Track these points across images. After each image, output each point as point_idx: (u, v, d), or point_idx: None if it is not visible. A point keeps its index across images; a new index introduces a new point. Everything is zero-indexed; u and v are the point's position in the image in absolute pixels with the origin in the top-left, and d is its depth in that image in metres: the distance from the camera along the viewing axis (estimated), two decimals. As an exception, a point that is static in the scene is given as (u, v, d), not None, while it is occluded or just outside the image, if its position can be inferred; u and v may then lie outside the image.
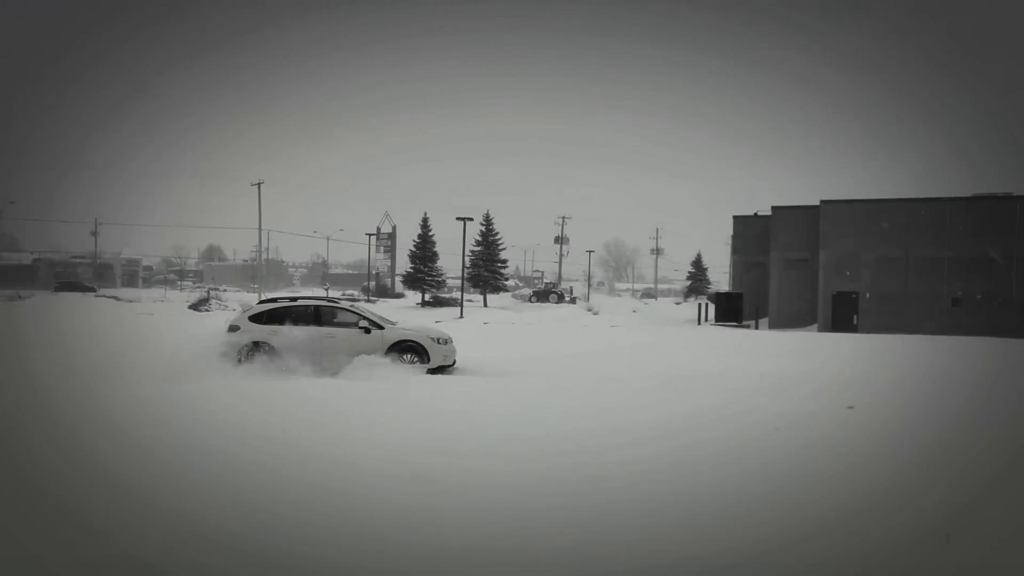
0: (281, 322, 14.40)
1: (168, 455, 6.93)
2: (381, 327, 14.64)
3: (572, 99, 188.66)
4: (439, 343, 14.71)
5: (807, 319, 35.72)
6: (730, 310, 38.59)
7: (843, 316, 34.07)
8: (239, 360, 13.95)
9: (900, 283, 33.30)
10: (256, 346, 14.13)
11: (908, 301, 33.08)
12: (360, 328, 14.54)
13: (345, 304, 16.37)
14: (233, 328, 14.59)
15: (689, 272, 78.32)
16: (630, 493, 5.92)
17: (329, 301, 16.15)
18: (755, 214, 40.67)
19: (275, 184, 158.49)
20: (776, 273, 37.28)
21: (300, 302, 15.22)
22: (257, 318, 14.68)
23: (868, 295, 33.89)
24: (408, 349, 14.40)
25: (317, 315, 14.76)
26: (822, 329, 33.86)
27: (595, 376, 13.90)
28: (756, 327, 36.06)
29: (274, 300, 15.81)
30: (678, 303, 72.56)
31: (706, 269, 77.43)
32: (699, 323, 38.67)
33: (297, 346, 13.79)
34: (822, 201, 34.99)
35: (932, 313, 32.57)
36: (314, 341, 14.02)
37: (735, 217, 41.71)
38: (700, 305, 43.23)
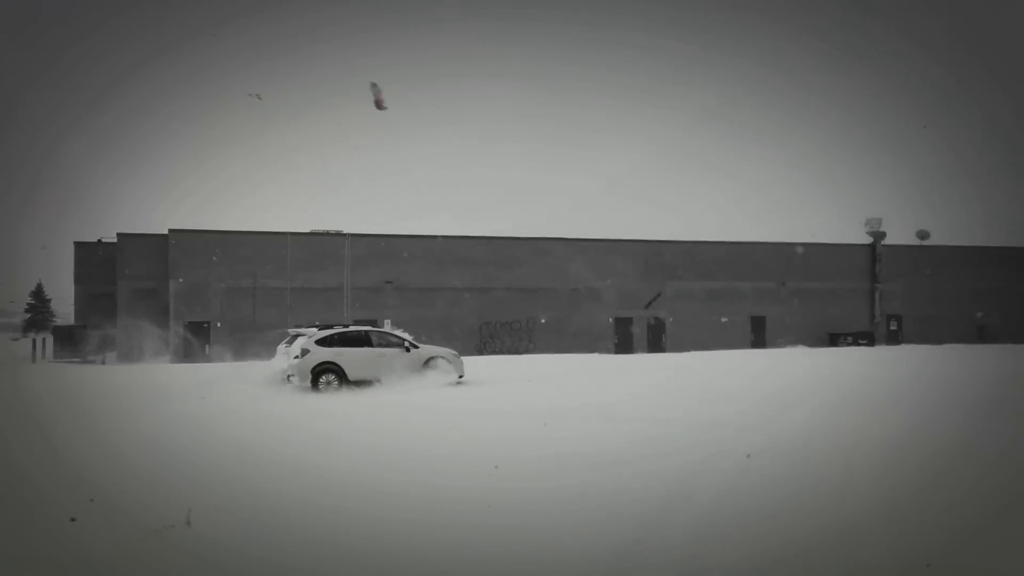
0: (341, 346, 17.62)
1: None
2: (417, 347, 18.40)
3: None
4: (457, 359, 18.74)
5: (162, 350, 34.45)
6: (73, 345, 34.95)
7: (196, 345, 33.88)
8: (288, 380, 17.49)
9: (249, 311, 34.69)
10: (325, 365, 17.17)
11: (257, 330, 34.58)
12: (404, 348, 18.18)
13: (386, 329, 20.81)
14: (305, 351, 17.17)
15: (28, 304, 68.57)
16: None
17: (372, 327, 19.76)
18: (99, 240, 37.67)
19: None
20: (124, 304, 35.03)
21: (352, 328, 18.62)
22: (322, 343, 17.49)
23: (219, 324, 34.39)
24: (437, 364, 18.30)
25: (368, 339, 18.22)
26: (173, 360, 33.03)
27: None
28: (104, 362, 33.22)
29: (330, 327, 18.53)
30: (15, 339, 62.74)
31: (49, 300, 68.89)
32: (34, 361, 33.88)
33: (359, 364, 17.44)
34: (170, 230, 34.28)
35: (278, 339, 34.75)
36: (372, 359, 17.64)
37: (76, 244, 37.89)
38: (34, 341, 37.92)
